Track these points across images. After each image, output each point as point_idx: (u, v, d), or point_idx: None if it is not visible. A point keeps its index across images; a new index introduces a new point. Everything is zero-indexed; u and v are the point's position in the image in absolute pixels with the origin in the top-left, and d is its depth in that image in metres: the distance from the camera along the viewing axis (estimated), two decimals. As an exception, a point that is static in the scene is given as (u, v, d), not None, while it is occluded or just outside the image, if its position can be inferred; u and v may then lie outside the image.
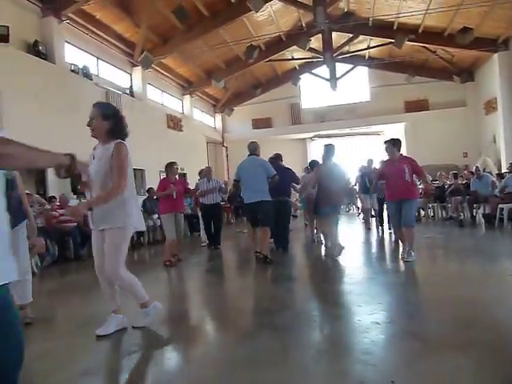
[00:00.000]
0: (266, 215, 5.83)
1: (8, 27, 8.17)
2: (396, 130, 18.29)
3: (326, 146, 6.29)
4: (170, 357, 2.75)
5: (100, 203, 2.85)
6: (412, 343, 2.61)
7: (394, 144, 5.50)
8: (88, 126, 3.03)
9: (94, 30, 11.03)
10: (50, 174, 9.07)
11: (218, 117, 20.20)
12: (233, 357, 2.61)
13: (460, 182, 10.52)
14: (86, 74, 10.77)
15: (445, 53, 15.66)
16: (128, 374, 2.45)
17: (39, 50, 9.09)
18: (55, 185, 9.10)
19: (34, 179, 10.00)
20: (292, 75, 18.01)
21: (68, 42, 10.35)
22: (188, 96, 16.97)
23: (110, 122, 3.01)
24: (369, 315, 3.21)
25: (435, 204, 11.03)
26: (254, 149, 6.10)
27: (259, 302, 4.15)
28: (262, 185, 5.78)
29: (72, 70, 10.32)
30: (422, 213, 11.27)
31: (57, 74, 9.42)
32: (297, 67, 18.67)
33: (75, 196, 9.13)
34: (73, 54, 10.65)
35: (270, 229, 6.06)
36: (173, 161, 6.66)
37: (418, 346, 2.57)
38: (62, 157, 1.52)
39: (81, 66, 10.70)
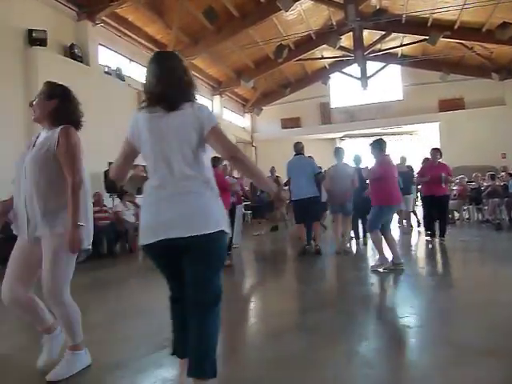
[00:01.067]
0: (316, 209, 6.40)
1: (46, 31, 8.49)
2: (430, 130, 17.76)
3: (335, 148, 6.93)
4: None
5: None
6: (445, 349, 2.52)
7: (378, 146, 5.21)
8: (30, 106, 2.49)
9: (127, 32, 11.29)
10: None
11: (247, 116, 20.26)
12: (262, 356, 2.60)
13: (498, 183, 10.11)
14: (118, 75, 11.05)
15: (482, 49, 15.06)
16: (158, 370, 2.48)
17: (75, 53, 9.39)
18: (90, 183, 9.37)
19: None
20: (322, 74, 17.81)
21: (102, 45, 10.64)
22: (218, 96, 17.09)
23: (54, 101, 2.40)
24: (399, 318, 3.13)
25: (470, 206, 10.65)
26: (300, 148, 6.66)
27: (288, 303, 4.13)
28: (310, 182, 6.18)
29: (106, 72, 10.61)
30: (457, 215, 10.88)
31: (91, 76, 9.71)
32: (327, 66, 18.45)
33: (109, 194, 9.38)
34: (106, 56, 10.95)
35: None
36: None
37: (451, 351, 2.47)
38: (274, 185, 2.06)
39: (114, 68, 10.99)
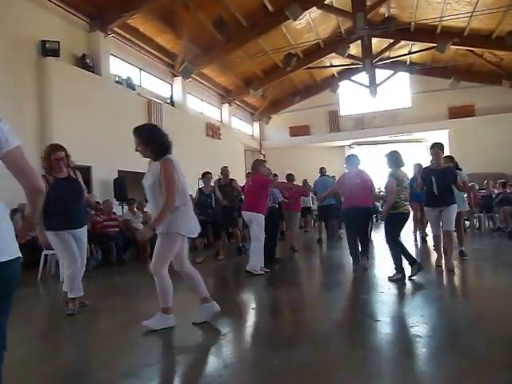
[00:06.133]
0: (333, 212, 8.86)
1: (59, 42, 8.66)
2: (439, 137, 17.65)
3: (347, 156, 6.77)
4: (210, 360, 2.77)
5: (159, 223, 3.23)
6: (457, 359, 2.49)
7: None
8: (136, 151, 3.38)
9: (138, 42, 11.46)
10: (96, 180, 9.46)
11: (256, 125, 20.35)
12: (270, 364, 2.59)
13: (509, 191, 9.99)
14: (129, 84, 11.21)
15: (492, 56, 14.99)
16: (166, 377, 2.49)
17: (87, 63, 9.56)
18: (100, 191, 9.48)
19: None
20: (331, 82, 17.86)
21: (113, 55, 10.81)
22: (227, 104, 17.22)
23: (151, 146, 3.29)
24: (410, 328, 3.09)
25: (481, 214, 10.52)
26: (324, 172, 9.64)
27: (297, 312, 4.11)
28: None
29: (116, 81, 10.77)
30: (467, 223, 10.76)
31: (102, 85, 9.87)
32: (335, 74, 18.50)
33: (118, 202, 9.47)
34: (117, 66, 11.12)
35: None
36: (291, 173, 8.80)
37: (463, 362, 2.44)
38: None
39: (124, 77, 11.15)
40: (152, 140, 3.29)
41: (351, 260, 5.83)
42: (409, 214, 5.26)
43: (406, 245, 5.22)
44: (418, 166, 7.62)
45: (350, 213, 5.72)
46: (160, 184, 3.24)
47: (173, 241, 3.27)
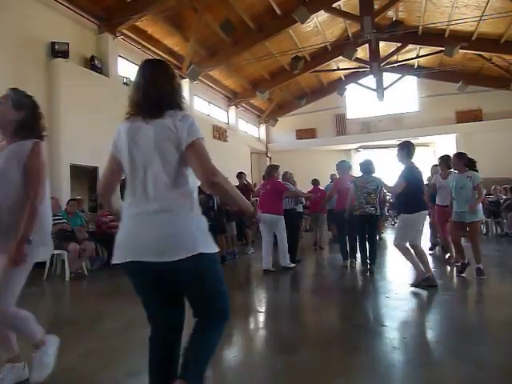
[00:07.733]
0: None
1: (68, 44, 8.74)
2: (446, 142, 17.55)
3: (337, 163, 7.19)
4: (213, 363, 2.75)
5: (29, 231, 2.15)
6: (463, 365, 2.46)
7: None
8: None
9: (146, 44, 11.53)
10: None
11: (262, 127, 20.36)
12: (272, 369, 2.58)
13: (517, 196, 9.91)
14: (137, 86, 11.26)
15: (501, 60, 14.88)
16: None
17: (95, 65, 9.62)
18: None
19: (86, 185, 10.56)
20: (337, 85, 17.81)
21: (121, 56, 10.88)
22: (233, 107, 17.25)
23: (21, 113, 2.25)
24: (415, 333, 3.07)
25: (489, 219, 10.43)
26: (334, 179, 9.26)
27: (301, 315, 4.09)
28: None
29: (124, 83, 10.82)
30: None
31: (110, 87, 9.92)
32: (342, 77, 18.47)
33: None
34: (125, 68, 11.18)
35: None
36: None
37: (469, 368, 2.41)
38: (250, 205, 1.86)
39: (132, 79, 11.20)
40: (32, 109, 2.31)
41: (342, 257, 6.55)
42: (368, 215, 5.80)
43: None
44: (435, 168, 7.33)
45: (341, 215, 6.42)
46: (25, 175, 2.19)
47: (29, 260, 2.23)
